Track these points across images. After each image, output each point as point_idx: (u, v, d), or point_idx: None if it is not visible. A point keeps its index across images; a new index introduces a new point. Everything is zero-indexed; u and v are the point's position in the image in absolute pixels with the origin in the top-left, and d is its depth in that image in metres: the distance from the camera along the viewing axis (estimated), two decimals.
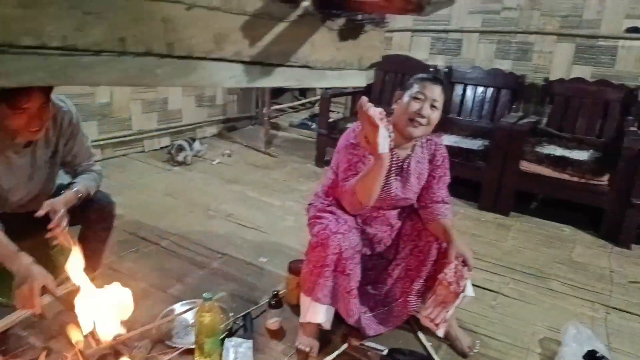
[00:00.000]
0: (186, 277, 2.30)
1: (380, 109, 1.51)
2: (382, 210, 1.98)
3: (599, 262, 2.82)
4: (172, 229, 2.80)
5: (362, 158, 1.77)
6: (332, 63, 1.09)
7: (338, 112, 5.15)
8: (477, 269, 2.58)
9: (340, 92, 4.68)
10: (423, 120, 1.74)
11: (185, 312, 1.90)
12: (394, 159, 1.87)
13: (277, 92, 6.65)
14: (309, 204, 2.06)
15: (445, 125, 4.01)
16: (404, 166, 1.90)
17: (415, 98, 1.75)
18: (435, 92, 1.76)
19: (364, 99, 1.49)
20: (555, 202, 3.45)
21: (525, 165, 3.30)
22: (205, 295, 1.61)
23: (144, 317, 1.80)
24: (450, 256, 1.77)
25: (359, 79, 1.20)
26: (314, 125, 5.11)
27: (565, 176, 3.18)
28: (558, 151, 3.40)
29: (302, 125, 5.38)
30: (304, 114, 5.94)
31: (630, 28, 3.56)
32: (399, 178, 1.91)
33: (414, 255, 1.95)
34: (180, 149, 3.85)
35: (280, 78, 0.98)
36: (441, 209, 1.92)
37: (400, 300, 1.99)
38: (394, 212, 2.01)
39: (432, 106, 1.76)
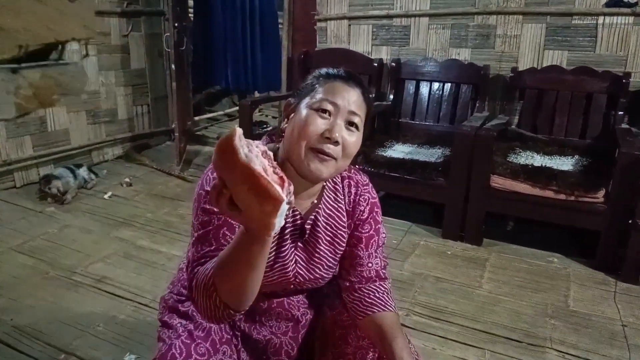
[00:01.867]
0: None
1: (263, 147, 0.73)
2: (276, 297, 1.18)
3: (604, 309, 2.11)
4: (10, 311, 1.93)
5: (225, 221, 0.96)
6: None
7: (269, 124, 4.34)
8: (443, 340, 1.83)
9: (268, 98, 3.88)
10: (334, 149, 0.97)
11: None
12: (288, 218, 1.08)
13: (213, 99, 5.80)
14: (162, 297, 1.25)
15: (393, 132, 3.29)
16: (307, 227, 1.10)
17: (320, 110, 0.98)
18: (352, 98, 1.00)
19: (237, 130, 0.70)
20: (535, 220, 2.73)
21: (497, 181, 2.57)
22: None
23: None
24: None
25: None
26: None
27: (548, 193, 2.46)
28: (536, 159, 2.69)
29: None
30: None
31: (610, 1, 2.88)
32: (300, 247, 1.11)
33: None
34: (48, 180, 2.94)
35: None
36: (376, 292, 1.14)
37: None
38: (299, 299, 1.22)
39: (350, 123, 0.99)
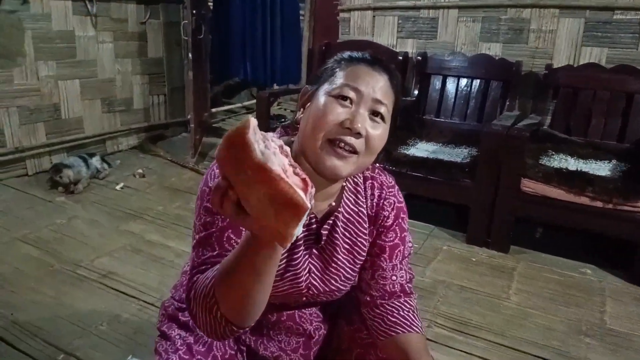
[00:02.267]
0: None
1: (279, 142, 0.61)
2: (286, 310, 1.05)
3: None
4: (11, 305, 1.84)
5: (231, 223, 0.84)
6: None
7: (287, 118, 4.22)
8: (467, 356, 1.69)
9: (286, 90, 3.75)
10: (356, 142, 0.84)
11: None
12: (310, 217, 0.95)
13: (232, 91, 5.69)
14: (163, 302, 1.13)
15: (416, 129, 3.13)
16: (324, 232, 0.97)
17: (340, 97, 0.84)
18: (378, 84, 0.86)
19: (252, 121, 0.57)
20: (566, 228, 2.56)
21: (528, 185, 2.40)
22: None
23: None
24: None
25: None
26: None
27: (584, 200, 2.29)
28: (570, 163, 2.51)
29: None
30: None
31: None
32: (314, 255, 0.98)
33: None
34: (59, 169, 2.85)
35: None
36: (401, 309, 1.00)
37: None
38: (312, 312, 1.09)
39: (374, 113, 0.85)
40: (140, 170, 3.29)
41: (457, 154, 2.73)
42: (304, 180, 0.60)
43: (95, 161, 3.12)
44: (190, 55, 3.37)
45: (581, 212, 2.30)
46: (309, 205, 0.57)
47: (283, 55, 4.25)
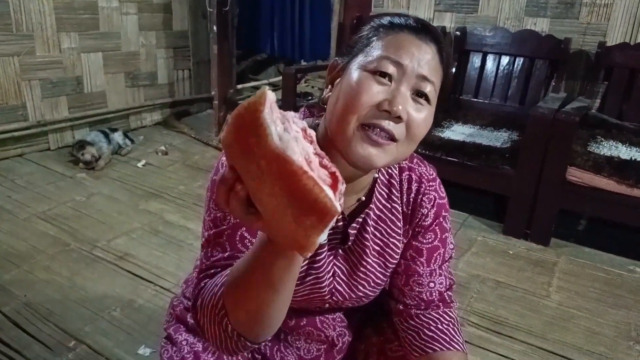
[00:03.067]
0: None
1: (302, 124, 0.47)
2: (307, 315, 0.92)
3: None
4: (25, 285, 1.78)
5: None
6: None
7: (314, 96, 4.04)
8: (504, 359, 1.54)
9: (314, 67, 3.58)
10: (395, 128, 0.68)
11: None
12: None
13: (259, 67, 5.55)
14: (172, 299, 1.02)
15: (452, 110, 2.92)
16: (352, 232, 0.83)
17: (378, 73, 0.69)
18: (425, 57, 0.70)
19: (267, 95, 0.43)
20: (612, 221, 2.35)
21: (575, 174, 2.20)
22: None
23: None
24: None
25: None
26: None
27: (638, 192, 2.08)
28: (622, 151, 2.30)
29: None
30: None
31: None
32: (340, 256, 0.85)
33: None
34: (82, 146, 2.78)
35: None
36: (439, 322, 0.86)
37: None
38: (335, 317, 0.96)
39: (418, 93, 0.70)
40: (163, 148, 3.20)
41: (497, 138, 2.53)
42: (333, 174, 0.46)
43: (118, 136, 3.04)
44: (215, 28, 3.23)
45: (634, 207, 2.10)
46: (339, 209, 0.44)
47: (312, 29, 4.08)
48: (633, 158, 2.18)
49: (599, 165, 2.16)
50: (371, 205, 0.84)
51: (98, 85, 3.27)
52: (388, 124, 0.68)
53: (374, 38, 0.72)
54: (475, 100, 2.96)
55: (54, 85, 3.02)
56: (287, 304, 0.61)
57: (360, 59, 0.71)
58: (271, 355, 0.94)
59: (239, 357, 0.89)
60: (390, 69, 0.68)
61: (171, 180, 2.79)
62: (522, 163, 2.29)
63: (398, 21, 0.73)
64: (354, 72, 0.70)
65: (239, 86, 4.29)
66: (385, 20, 0.74)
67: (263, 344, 0.93)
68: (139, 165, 2.96)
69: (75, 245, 2.06)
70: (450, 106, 2.93)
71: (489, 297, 1.92)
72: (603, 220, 2.40)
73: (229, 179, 0.48)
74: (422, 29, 0.72)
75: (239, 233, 0.71)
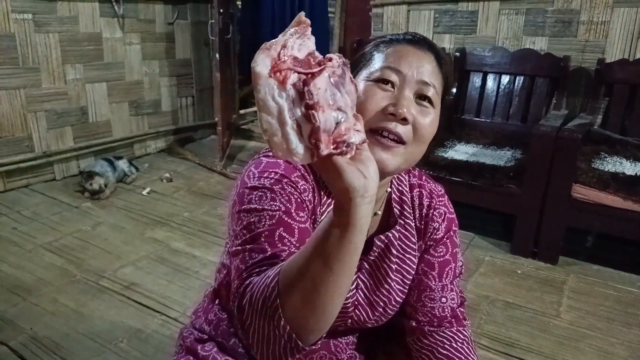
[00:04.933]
0: None
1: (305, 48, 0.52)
2: (322, 338, 0.91)
3: None
4: (31, 317, 1.77)
5: (281, 219, 0.71)
6: None
7: None
8: None
9: None
10: (403, 130, 0.71)
11: None
12: None
13: None
14: (181, 330, 1.02)
15: (455, 130, 2.93)
16: (379, 243, 0.85)
17: (381, 81, 0.73)
18: (423, 65, 0.74)
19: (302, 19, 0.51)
20: (620, 237, 2.33)
21: (580, 191, 2.19)
22: None
23: None
24: None
25: None
26: None
27: None
28: (626, 167, 2.29)
29: None
30: None
31: None
32: (366, 270, 0.86)
33: None
34: (90, 175, 2.80)
35: None
36: (454, 340, 0.86)
37: None
38: (348, 340, 0.95)
39: (421, 97, 0.74)
40: (167, 175, 3.22)
41: (500, 157, 2.53)
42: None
43: (123, 164, 3.06)
44: (217, 55, 3.28)
45: None
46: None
47: None
48: (638, 174, 2.17)
49: (604, 181, 2.15)
50: (391, 219, 0.85)
51: (103, 115, 3.31)
52: (395, 126, 0.70)
53: (375, 53, 0.77)
54: (477, 119, 2.97)
55: (59, 116, 3.06)
56: (341, 294, 0.58)
57: (364, 73, 0.75)
58: None
59: None
60: (393, 77, 0.72)
61: (176, 207, 2.80)
62: (527, 181, 2.28)
63: (397, 37, 0.78)
64: (359, 85, 0.73)
65: (242, 111, 4.34)
66: (386, 37, 0.79)
67: None
68: (144, 193, 2.97)
69: (81, 276, 2.06)
70: (453, 126, 2.94)
71: (499, 318, 1.89)
72: (611, 237, 2.38)
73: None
74: (419, 40, 0.77)
75: (277, 233, 0.69)
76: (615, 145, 2.50)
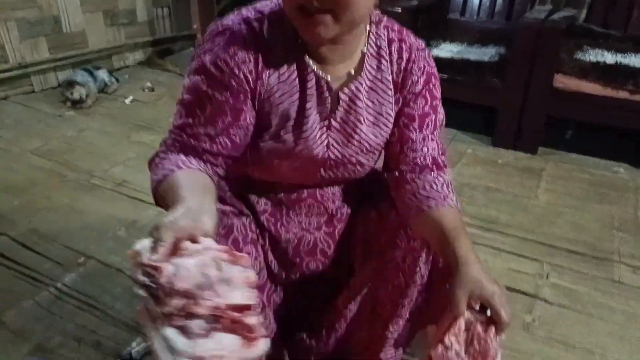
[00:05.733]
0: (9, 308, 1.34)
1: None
2: (305, 188, 0.96)
3: None
4: (27, 213, 1.81)
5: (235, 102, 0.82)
6: None
7: None
8: (496, 252, 1.64)
9: None
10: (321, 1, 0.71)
11: None
12: (310, 83, 0.85)
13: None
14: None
15: (440, 30, 2.89)
16: (343, 98, 0.87)
17: None
18: None
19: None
20: (598, 127, 2.40)
21: (562, 80, 2.23)
22: None
23: None
24: (456, 304, 0.77)
25: None
26: None
27: (623, 94, 2.13)
28: (608, 57, 2.32)
29: None
30: None
31: None
32: (334, 128, 0.89)
33: (384, 277, 0.96)
34: (71, 84, 2.74)
35: None
36: (433, 183, 0.91)
37: (363, 355, 1.04)
38: (334, 190, 1.01)
39: None
40: (149, 84, 3.16)
41: (484, 54, 2.54)
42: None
43: (103, 74, 2.99)
44: None
45: (619, 108, 2.15)
46: None
47: None
48: (618, 62, 2.21)
49: (585, 70, 2.19)
50: (362, 75, 0.87)
51: (77, 25, 3.18)
52: (312, 4, 0.70)
53: None
54: (461, 19, 2.93)
55: (31, 25, 2.93)
56: None
57: None
58: (276, 232, 0.99)
59: (249, 232, 0.92)
60: None
61: (160, 113, 2.78)
62: (510, 74, 2.31)
63: None
64: None
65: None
66: None
67: (266, 222, 0.98)
68: (127, 101, 2.93)
69: (72, 176, 2.08)
70: (438, 26, 2.90)
71: (480, 200, 1.99)
72: (589, 128, 2.45)
73: None
74: None
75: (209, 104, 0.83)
76: (598, 39, 2.51)
